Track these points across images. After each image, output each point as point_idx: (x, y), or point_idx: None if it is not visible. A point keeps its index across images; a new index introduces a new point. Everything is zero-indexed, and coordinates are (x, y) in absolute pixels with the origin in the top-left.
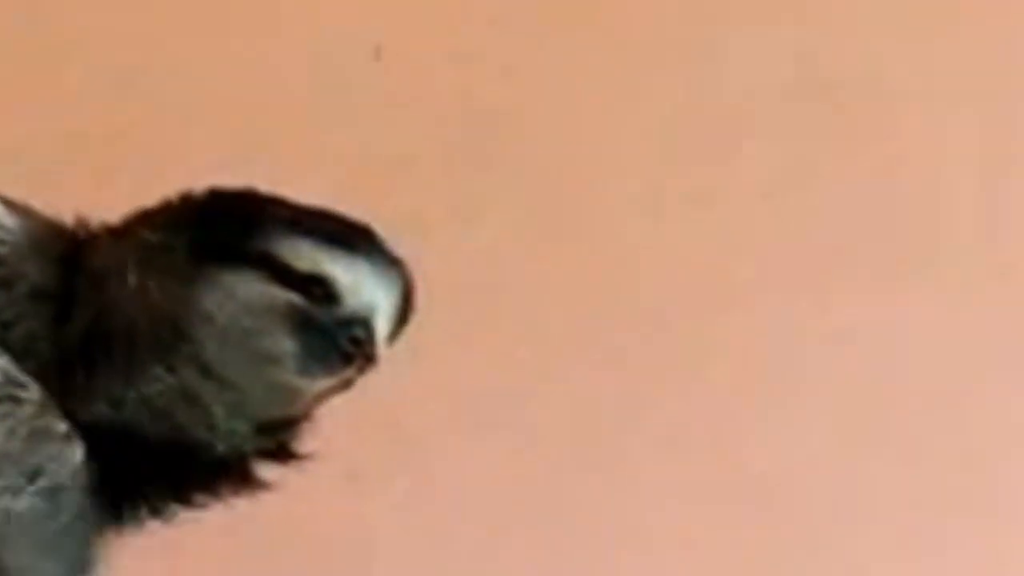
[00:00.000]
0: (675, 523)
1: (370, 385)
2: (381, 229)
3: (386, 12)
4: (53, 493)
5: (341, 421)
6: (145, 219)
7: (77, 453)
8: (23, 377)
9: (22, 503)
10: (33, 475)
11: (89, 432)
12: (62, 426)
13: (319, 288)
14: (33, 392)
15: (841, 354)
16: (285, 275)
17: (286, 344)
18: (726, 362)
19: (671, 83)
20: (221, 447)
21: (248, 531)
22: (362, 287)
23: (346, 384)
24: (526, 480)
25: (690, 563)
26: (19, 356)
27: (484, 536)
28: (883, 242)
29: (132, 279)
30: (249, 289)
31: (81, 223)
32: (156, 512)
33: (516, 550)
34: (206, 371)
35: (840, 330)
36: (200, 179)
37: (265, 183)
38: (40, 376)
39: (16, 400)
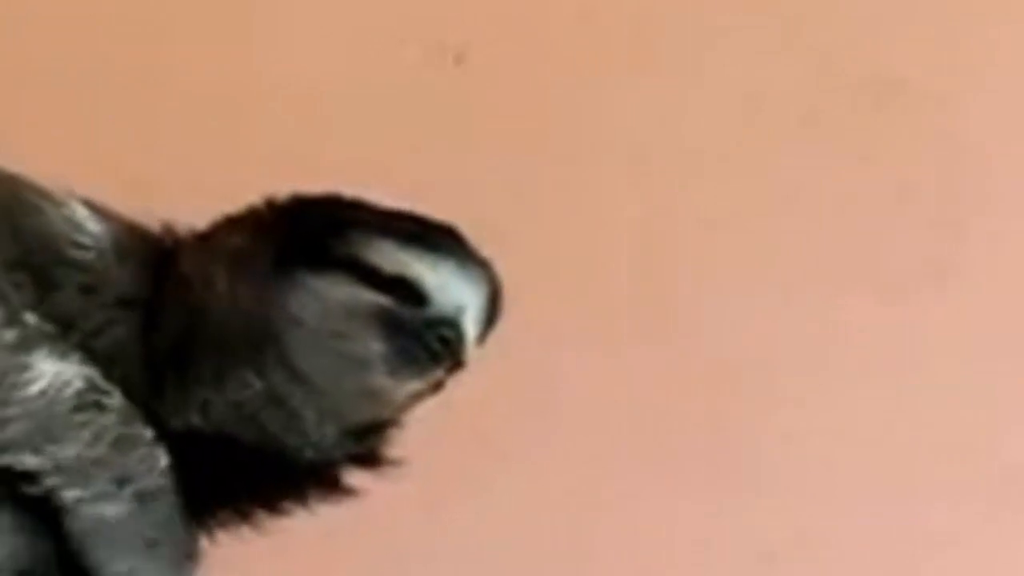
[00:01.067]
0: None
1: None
2: (465, 231)
3: (468, 17)
4: (143, 497)
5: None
6: (231, 225)
7: (163, 458)
8: (107, 385)
9: (113, 509)
10: (122, 481)
11: (179, 439)
12: (147, 432)
13: (406, 290)
14: (116, 399)
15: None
16: (372, 278)
17: (375, 346)
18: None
19: (750, 81)
20: (310, 453)
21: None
22: (449, 287)
23: (436, 387)
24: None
25: None
26: (106, 364)
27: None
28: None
29: (220, 285)
30: (337, 292)
31: (167, 229)
32: (245, 519)
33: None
34: (295, 375)
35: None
36: (284, 185)
37: (347, 188)
38: (129, 384)
39: (100, 407)
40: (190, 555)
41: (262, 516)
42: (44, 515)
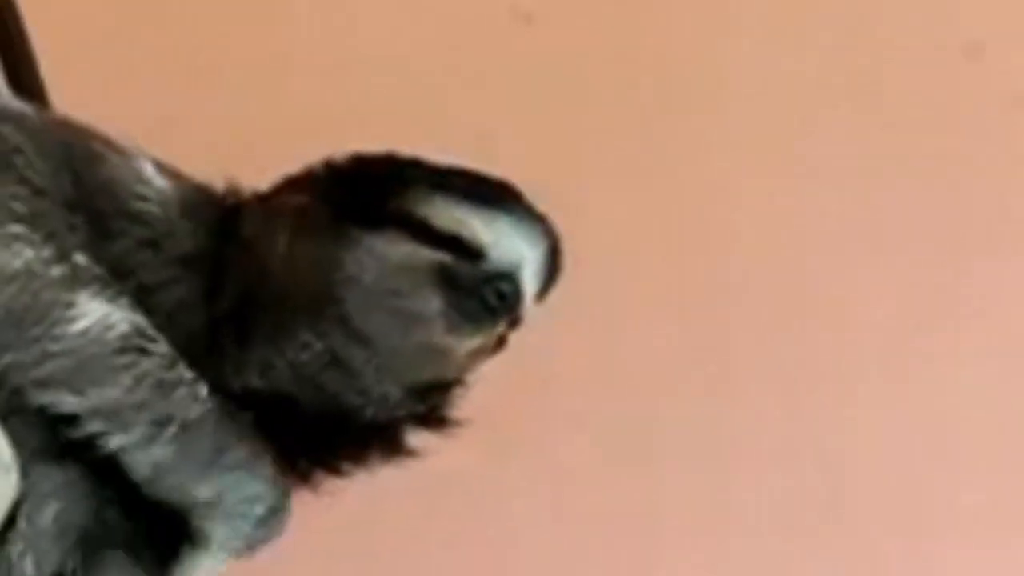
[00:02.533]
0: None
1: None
2: (533, 191)
3: None
4: (187, 429)
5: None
6: (291, 185)
7: (203, 389)
8: (153, 332)
9: (160, 451)
10: (163, 422)
11: (239, 399)
12: (188, 374)
13: (462, 246)
14: (162, 346)
15: None
16: (428, 234)
17: (433, 303)
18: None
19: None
20: (371, 412)
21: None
22: (505, 242)
23: (498, 344)
24: None
25: None
26: (165, 320)
27: None
28: None
29: (280, 245)
30: (392, 249)
31: (231, 189)
32: (304, 479)
33: None
34: (354, 334)
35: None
36: (343, 145)
37: (409, 147)
38: (189, 342)
39: (144, 351)
40: (258, 456)
41: (322, 477)
42: (99, 471)
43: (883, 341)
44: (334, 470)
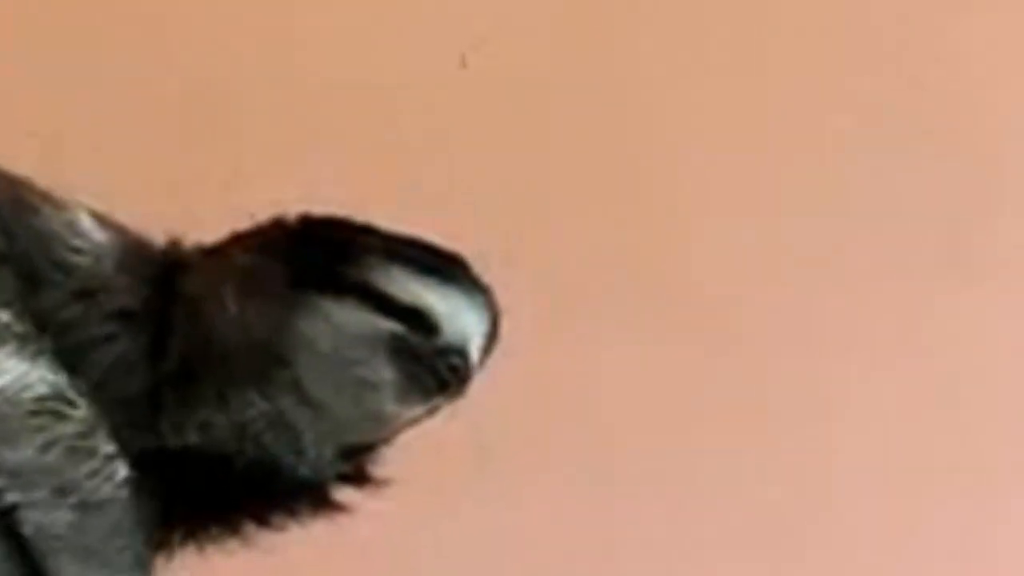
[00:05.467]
0: None
1: None
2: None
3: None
4: (87, 508)
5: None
6: (241, 243)
7: (121, 470)
8: (73, 394)
9: (52, 518)
10: (65, 490)
11: (170, 455)
12: (107, 446)
13: (418, 318)
14: (81, 411)
15: None
16: (384, 304)
17: (386, 373)
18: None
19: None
20: (304, 471)
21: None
22: (459, 317)
23: (434, 411)
24: None
25: None
26: (104, 379)
27: None
28: None
29: (230, 306)
30: (351, 317)
31: (173, 243)
32: (235, 532)
33: None
34: (303, 398)
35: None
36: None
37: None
38: (128, 400)
39: (59, 415)
40: (140, 565)
41: (253, 530)
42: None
43: (856, 369)
44: (265, 523)
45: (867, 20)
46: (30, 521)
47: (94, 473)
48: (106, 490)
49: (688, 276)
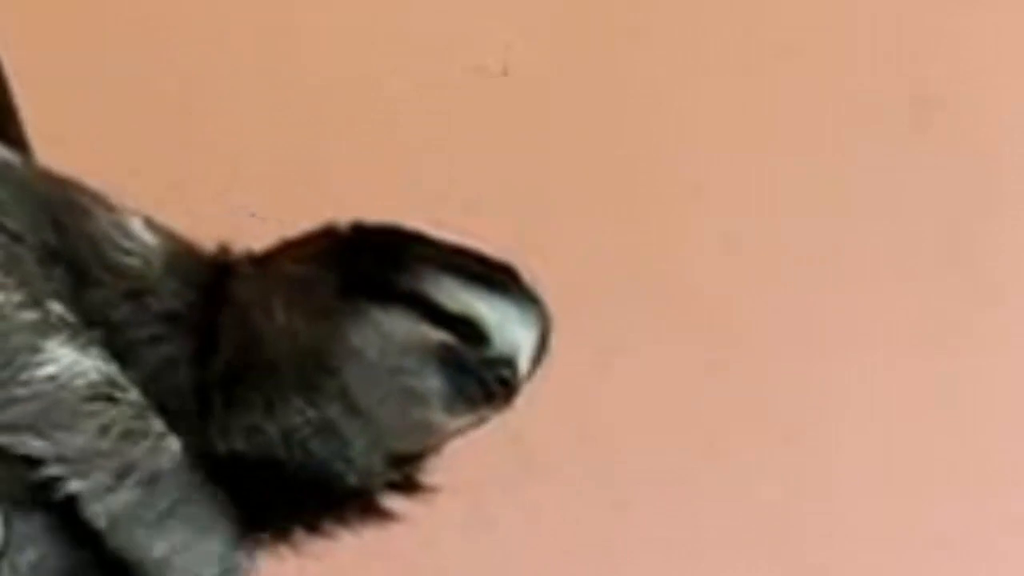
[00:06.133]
0: None
1: None
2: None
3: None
4: (150, 482)
5: None
6: (290, 251)
7: (174, 444)
8: (125, 382)
9: (118, 500)
10: (125, 472)
11: (222, 462)
12: (158, 424)
13: (467, 328)
14: (132, 395)
15: None
16: (434, 314)
17: (434, 383)
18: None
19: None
20: (353, 479)
21: None
22: (509, 328)
23: (482, 421)
24: None
25: None
26: (151, 380)
27: None
28: None
29: (279, 313)
30: (400, 327)
31: (223, 251)
32: (284, 538)
33: None
34: (351, 406)
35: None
36: (330, 196)
37: (395, 202)
38: (175, 403)
39: (112, 400)
40: (222, 523)
41: (302, 536)
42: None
43: (857, 369)
44: (315, 530)
45: (867, 20)
46: (98, 509)
47: (150, 451)
48: (164, 463)
49: (689, 276)
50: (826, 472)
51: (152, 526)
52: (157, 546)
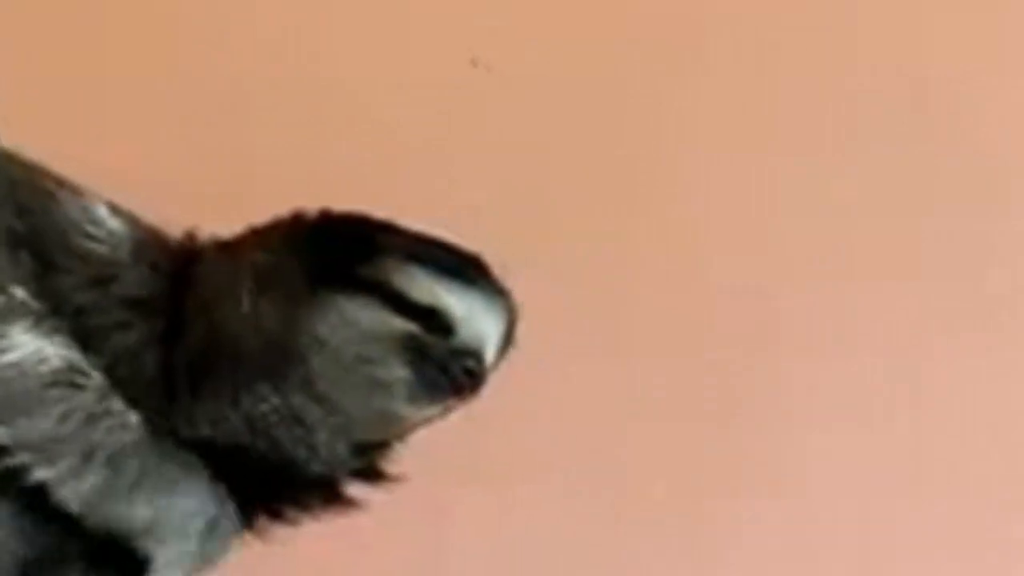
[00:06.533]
0: None
1: None
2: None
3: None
4: (114, 459)
5: None
6: (257, 238)
7: (133, 417)
8: (87, 367)
9: (87, 483)
10: (90, 453)
11: (187, 447)
12: (118, 405)
13: (434, 319)
14: (95, 380)
15: None
16: (401, 304)
17: (400, 372)
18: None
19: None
20: (317, 467)
21: None
22: (476, 319)
23: (447, 411)
24: None
25: None
26: (116, 366)
27: None
28: None
29: (245, 301)
30: (366, 316)
31: (189, 236)
32: (248, 525)
33: None
34: (316, 395)
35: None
36: (300, 188)
37: (365, 193)
38: (140, 390)
39: (75, 386)
40: (192, 474)
41: (265, 523)
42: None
43: (859, 369)
44: (278, 518)
45: (868, 20)
46: (68, 494)
47: (112, 430)
48: (126, 438)
49: (677, 272)
50: (825, 471)
51: (126, 499)
52: (137, 515)
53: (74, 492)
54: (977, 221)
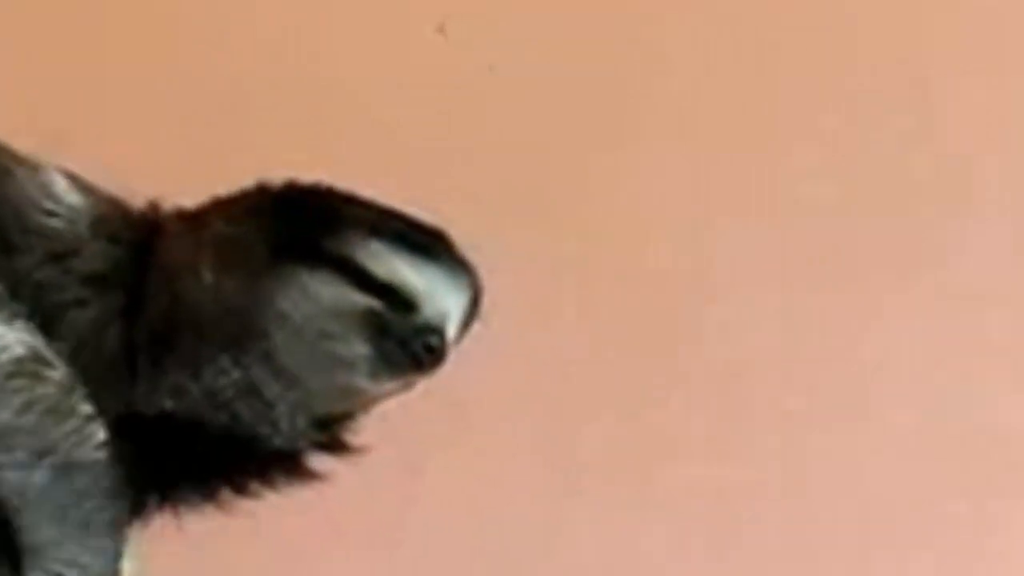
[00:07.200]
0: None
1: None
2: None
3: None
4: (65, 469)
5: None
6: (220, 210)
7: (99, 433)
8: (51, 356)
9: (31, 479)
10: (44, 452)
11: (147, 420)
12: (85, 406)
13: (396, 295)
14: (59, 372)
15: None
16: (362, 279)
17: (361, 348)
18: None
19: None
20: (278, 440)
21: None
22: (438, 296)
23: (409, 386)
24: None
25: None
26: (78, 342)
27: None
28: None
29: (207, 273)
30: (328, 291)
31: (152, 207)
32: (210, 499)
33: None
34: (276, 369)
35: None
36: (266, 154)
37: (329, 159)
38: (103, 365)
39: (37, 376)
40: (115, 527)
41: (229, 497)
42: None
43: (858, 369)
44: (241, 491)
45: (867, 20)
46: (7, 481)
47: (72, 434)
48: (84, 452)
49: (686, 274)
50: (821, 470)
51: (49, 513)
52: (43, 532)
53: (13, 485)
54: (945, 220)
